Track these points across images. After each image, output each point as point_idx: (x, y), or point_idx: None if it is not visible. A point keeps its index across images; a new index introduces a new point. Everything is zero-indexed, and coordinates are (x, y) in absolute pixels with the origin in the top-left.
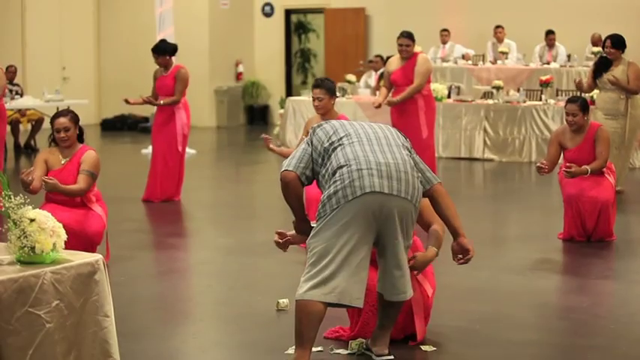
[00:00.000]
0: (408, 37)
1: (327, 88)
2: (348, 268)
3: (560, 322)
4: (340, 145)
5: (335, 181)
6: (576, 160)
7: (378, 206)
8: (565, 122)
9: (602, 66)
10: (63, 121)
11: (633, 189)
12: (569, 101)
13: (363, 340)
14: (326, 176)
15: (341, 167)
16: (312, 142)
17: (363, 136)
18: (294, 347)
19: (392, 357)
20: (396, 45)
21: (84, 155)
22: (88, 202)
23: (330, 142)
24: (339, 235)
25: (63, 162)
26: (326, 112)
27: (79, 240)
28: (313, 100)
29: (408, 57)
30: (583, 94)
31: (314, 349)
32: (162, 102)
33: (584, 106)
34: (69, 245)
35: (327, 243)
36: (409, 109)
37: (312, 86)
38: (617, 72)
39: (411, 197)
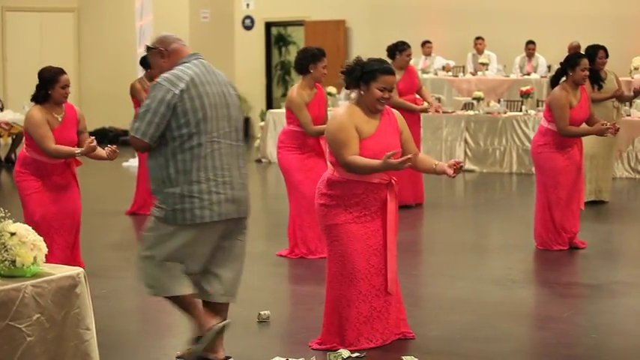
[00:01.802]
0: (410, 47)
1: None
2: (188, 268)
3: (541, 331)
4: (204, 145)
5: (192, 197)
6: (579, 116)
7: (225, 227)
8: (580, 77)
9: (595, 78)
10: (67, 77)
11: (613, 198)
12: (581, 56)
13: (344, 352)
14: (187, 155)
15: (200, 182)
16: (175, 108)
17: (222, 135)
18: (277, 357)
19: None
20: (376, 56)
21: (78, 113)
22: (74, 169)
23: (197, 128)
24: (186, 244)
25: (60, 119)
26: None
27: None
28: (324, 68)
29: (406, 68)
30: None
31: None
32: None
33: None
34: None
35: (183, 251)
36: (411, 120)
37: (319, 55)
38: (611, 82)
39: (248, 213)
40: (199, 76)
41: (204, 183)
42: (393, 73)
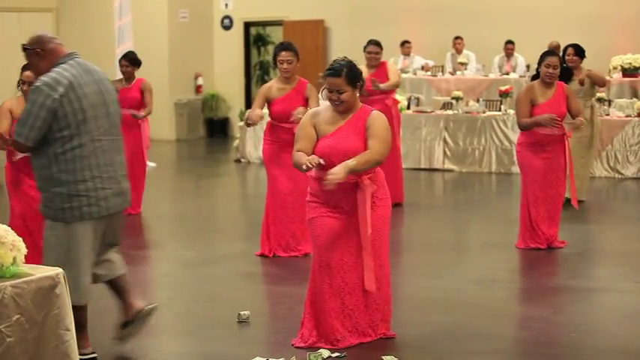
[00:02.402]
0: (377, 44)
1: (294, 50)
2: (88, 272)
3: (521, 331)
4: (86, 145)
5: (80, 195)
6: (547, 114)
7: (109, 219)
8: (544, 74)
9: (564, 76)
10: (28, 74)
11: (593, 198)
12: (549, 54)
13: (324, 352)
14: (68, 155)
15: (85, 181)
16: (55, 112)
17: (102, 133)
18: (258, 357)
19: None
20: (355, 56)
21: None
22: None
23: (77, 130)
24: (81, 243)
25: None
26: (291, 76)
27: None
28: (282, 64)
29: (377, 65)
30: None
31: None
32: (142, 114)
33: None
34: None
35: (73, 250)
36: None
37: (277, 50)
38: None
39: (130, 204)
40: (77, 78)
41: (90, 181)
42: (335, 75)
